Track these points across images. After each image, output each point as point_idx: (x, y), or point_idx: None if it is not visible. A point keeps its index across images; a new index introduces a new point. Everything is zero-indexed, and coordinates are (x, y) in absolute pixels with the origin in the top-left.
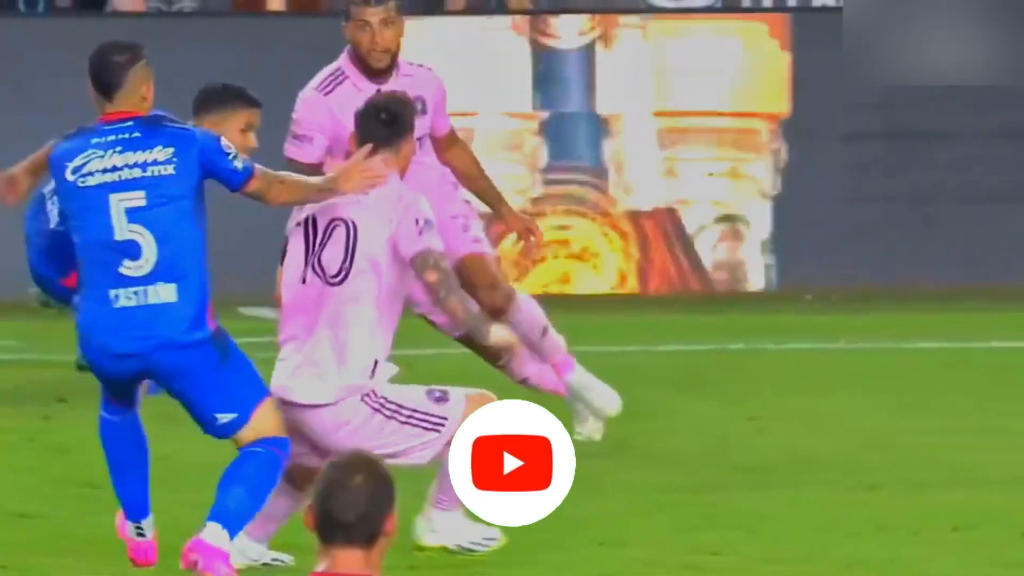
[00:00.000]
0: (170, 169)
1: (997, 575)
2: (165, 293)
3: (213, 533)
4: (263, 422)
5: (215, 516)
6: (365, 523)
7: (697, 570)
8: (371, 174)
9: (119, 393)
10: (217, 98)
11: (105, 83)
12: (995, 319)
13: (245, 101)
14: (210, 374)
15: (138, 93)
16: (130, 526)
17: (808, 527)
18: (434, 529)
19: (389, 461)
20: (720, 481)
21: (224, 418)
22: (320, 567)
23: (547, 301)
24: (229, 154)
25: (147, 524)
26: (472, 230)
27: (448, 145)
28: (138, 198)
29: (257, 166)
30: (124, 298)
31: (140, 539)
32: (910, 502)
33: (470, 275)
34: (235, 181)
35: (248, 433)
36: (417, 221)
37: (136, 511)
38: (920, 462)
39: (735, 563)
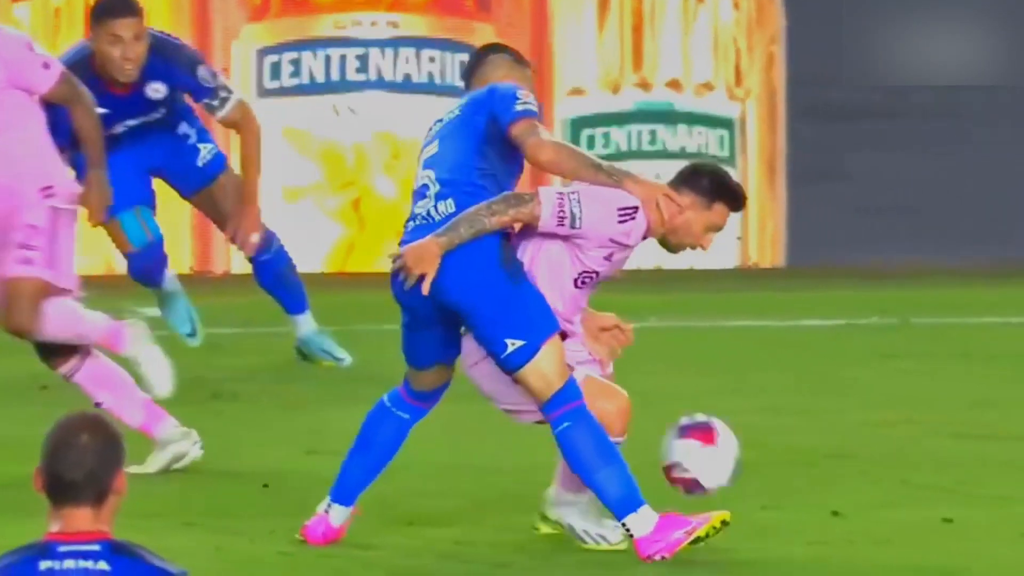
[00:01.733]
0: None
1: (806, 553)
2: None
3: (634, 526)
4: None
5: (616, 512)
6: (93, 481)
7: (511, 549)
8: None
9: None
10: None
11: None
12: (816, 297)
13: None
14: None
15: None
16: (327, 502)
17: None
18: (559, 503)
19: (509, 416)
20: (541, 460)
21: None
22: (53, 528)
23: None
24: None
25: (341, 511)
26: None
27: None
28: None
29: None
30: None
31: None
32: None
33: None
34: None
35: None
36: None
37: (344, 495)
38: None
39: (546, 545)
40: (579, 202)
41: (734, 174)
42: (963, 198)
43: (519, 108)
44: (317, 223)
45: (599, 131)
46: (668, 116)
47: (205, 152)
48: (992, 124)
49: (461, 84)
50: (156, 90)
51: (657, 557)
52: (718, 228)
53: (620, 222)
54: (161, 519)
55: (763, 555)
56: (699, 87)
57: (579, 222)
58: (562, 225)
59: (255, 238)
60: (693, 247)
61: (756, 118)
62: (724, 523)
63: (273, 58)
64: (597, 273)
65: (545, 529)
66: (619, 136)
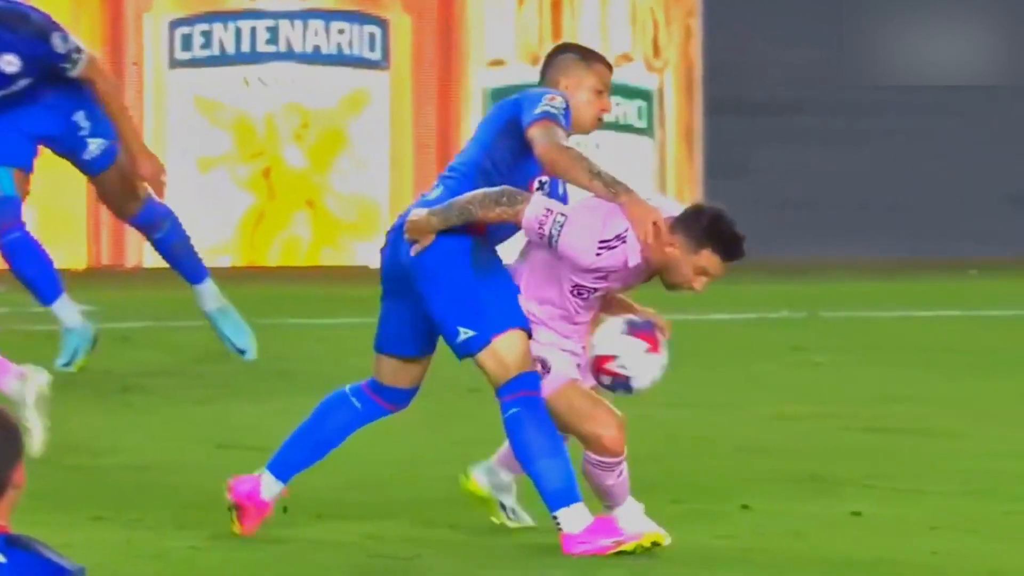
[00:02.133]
0: None
1: (716, 546)
2: None
3: (565, 521)
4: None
5: (550, 504)
6: None
7: (420, 543)
8: None
9: None
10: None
11: None
12: (726, 292)
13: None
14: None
15: None
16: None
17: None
18: (492, 479)
19: None
20: (437, 455)
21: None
22: None
23: None
24: None
25: (272, 484)
26: None
27: None
28: None
29: None
30: None
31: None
32: (631, 473)
33: None
34: None
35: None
36: None
37: (279, 468)
38: (643, 434)
39: (458, 537)
40: (562, 225)
41: (652, 145)
42: (872, 192)
43: (539, 111)
44: (228, 192)
45: None
46: None
47: (94, 147)
48: (899, 119)
49: (370, 54)
50: (9, 63)
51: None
52: (708, 274)
53: (597, 254)
54: (70, 513)
55: (673, 548)
56: (617, 58)
57: (555, 243)
58: (540, 238)
59: (162, 177)
60: (686, 288)
61: (674, 89)
62: (655, 544)
63: (185, 30)
64: (592, 289)
65: (467, 486)
66: None
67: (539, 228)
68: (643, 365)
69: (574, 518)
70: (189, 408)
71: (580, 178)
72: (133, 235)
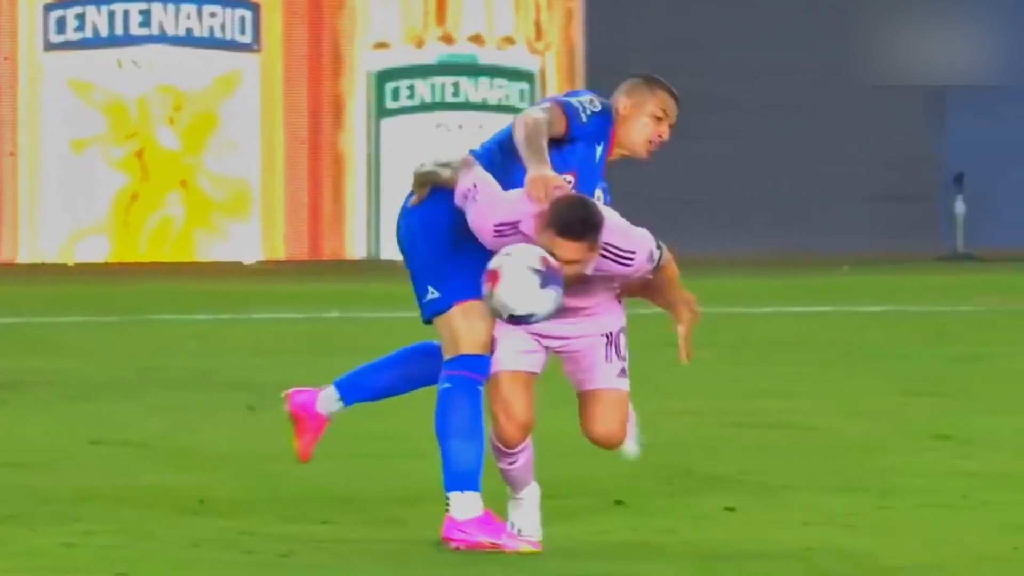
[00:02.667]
0: None
1: (590, 541)
2: None
3: (455, 504)
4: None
5: (447, 483)
6: None
7: (293, 540)
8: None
9: None
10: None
11: None
12: None
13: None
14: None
15: None
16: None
17: (396, 496)
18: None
19: None
20: (316, 450)
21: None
22: None
23: None
24: None
25: (333, 400)
26: None
27: None
28: None
29: None
30: None
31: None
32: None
33: None
34: None
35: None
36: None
37: (348, 389)
38: None
39: (332, 530)
40: (474, 200)
41: None
42: (745, 189)
43: (552, 97)
44: (102, 173)
45: (404, 83)
46: (471, 69)
47: None
48: (773, 117)
49: (241, 38)
50: None
51: (453, 545)
52: (561, 259)
53: (494, 236)
54: None
55: (547, 544)
56: (501, 41)
57: (467, 215)
58: (461, 210)
59: None
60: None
61: (555, 71)
62: (531, 554)
63: (59, 13)
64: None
65: None
66: (423, 89)
67: (461, 195)
68: (504, 298)
69: (465, 505)
70: (62, 405)
71: (521, 146)
72: (8, 232)
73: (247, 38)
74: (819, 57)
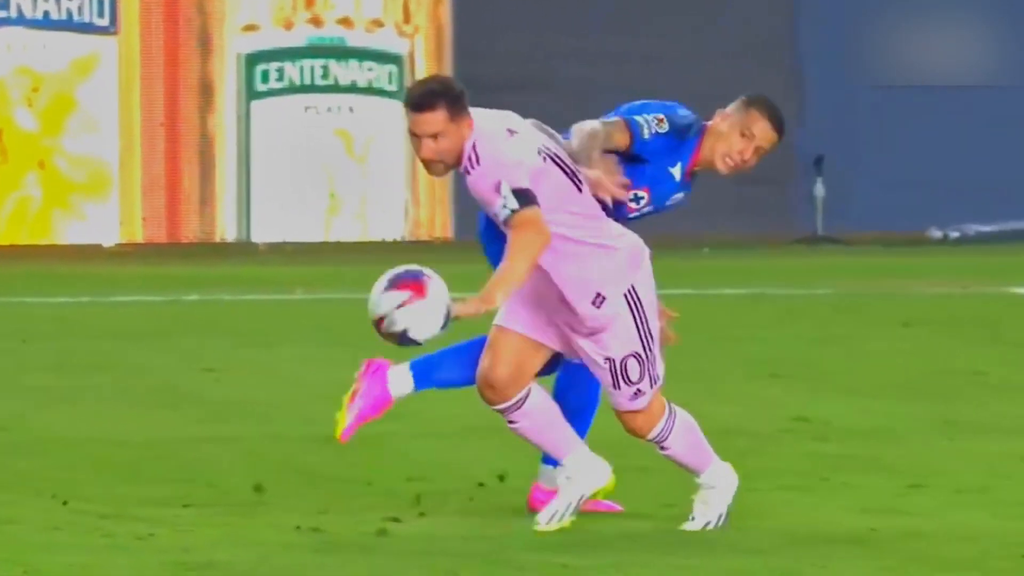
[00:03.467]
0: None
1: (457, 522)
2: None
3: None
4: None
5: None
6: None
7: (155, 522)
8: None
9: None
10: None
11: None
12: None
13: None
14: None
15: None
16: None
17: (261, 477)
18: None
19: None
20: (176, 434)
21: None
22: None
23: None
24: None
25: (404, 378)
26: None
27: None
28: None
29: None
30: None
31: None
32: (369, 453)
33: None
34: None
35: None
36: None
37: (421, 371)
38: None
39: (194, 514)
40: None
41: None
42: None
43: (623, 112)
44: None
45: (273, 66)
46: (340, 52)
47: None
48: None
49: (99, 20)
50: None
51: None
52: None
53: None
54: None
55: (397, 528)
56: (369, 23)
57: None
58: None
59: None
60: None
61: (424, 55)
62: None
63: None
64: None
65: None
66: (292, 71)
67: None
68: (412, 315)
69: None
70: None
71: (572, 154)
72: None
73: (105, 21)
74: (680, 43)
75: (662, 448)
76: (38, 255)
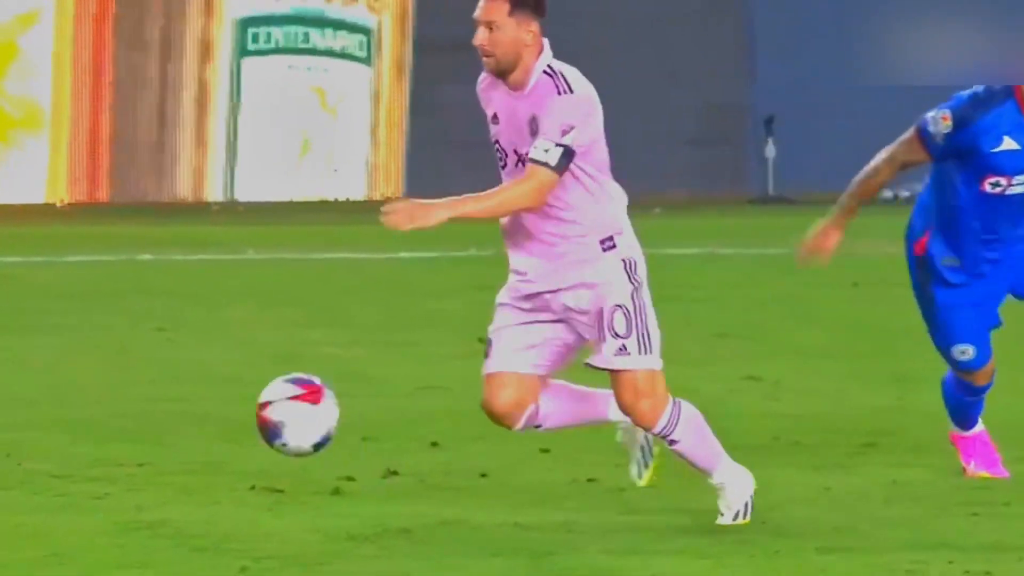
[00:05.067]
0: None
1: (399, 482)
2: None
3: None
4: None
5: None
6: None
7: (109, 482)
8: None
9: None
10: None
11: None
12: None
13: None
14: None
15: None
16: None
17: (214, 437)
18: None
19: None
20: (129, 394)
21: None
22: None
23: None
24: None
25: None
26: None
27: None
28: None
29: None
30: None
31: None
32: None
33: None
34: None
35: None
36: None
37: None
38: (328, 374)
39: (148, 473)
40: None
41: (370, 73)
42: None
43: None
44: None
45: (263, 29)
46: (319, 21)
47: None
48: (591, 61)
49: None
50: None
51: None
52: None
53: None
54: None
55: (352, 487)
56: (346, 0)
57: None
58: None
59: None
60: None
61: (390, 28)
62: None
63: None
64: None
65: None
66: (278, 34)
67: None
68: (295, 414)
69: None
70: None
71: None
72: None
73: None
74: (640, 5)
75: (671, 443)
76: None
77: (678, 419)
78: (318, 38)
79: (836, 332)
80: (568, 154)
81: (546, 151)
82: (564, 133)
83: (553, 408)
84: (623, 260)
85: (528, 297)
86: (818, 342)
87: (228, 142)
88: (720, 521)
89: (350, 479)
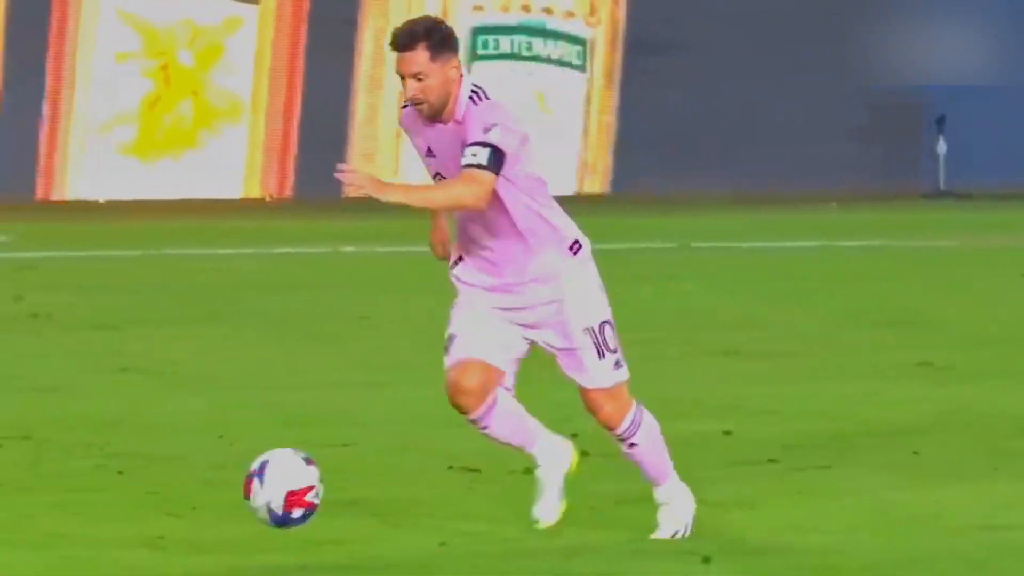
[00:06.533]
0: None
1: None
2: None
3: None
4: None
5: None
6: None
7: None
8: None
9: None
10: None
11: None
12: (608, 223)
13: None
14: None
15: None
16: None
17: (410, 420)
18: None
19: None
20: (330, 379)
21: None
22: None
23: None
24: None
25: None
26: None
27: None
28: None
29: None
30: None
31: None
32: None
33: None
34: None
35: None
36: None
37: None
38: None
39: (350, 453)
40: None
41: (584, 79)
42: (737, 129)
43: None
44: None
45: (491, 38)
46: (541, 32)
47: None
48: (762, 58)
49: None
50: None
51: None
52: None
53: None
54: None
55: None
56: (565, 13)
57: None
58: None
59: None
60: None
61: (603, 40)
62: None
63: None
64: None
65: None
66: (505, 43)
67: None
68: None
69: None
70: (91, 334)
71: None
72: (42, 167)
73: None
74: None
75: (630, 445)
76: (198, 210)
77: (640, 423)
78: (540, 47)
79: (1006, 320)
80: (496, 153)
81: (474, 155)
82: (486, 131)
83: (500, 419)
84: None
85: (494, 290)
86: (988, 330)
87: None
88: (657, 535)
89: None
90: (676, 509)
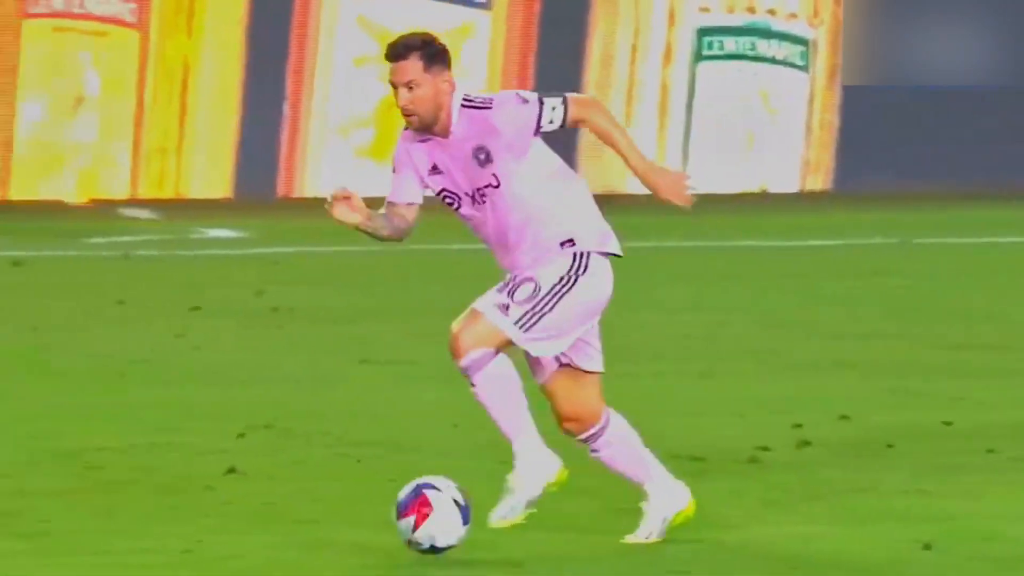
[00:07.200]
0: None
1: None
2: None
3: None
4: None
5: None
6: None
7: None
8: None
9: None
10: None
11: None
12: (821, 220)
13: None
14: None
15: None
16: None
17: (637, 410)
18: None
19: None
20: None
21: None
22: None
23: None
24: None
25: None
26: None
27: None
28: None
29: None
30: None
31: None
32: None
33: None
34: None
35: None
36: None
37: None
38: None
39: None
40: None
41: (807, 79)
42: (965, 125)
43: None
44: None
45: (716, 39)
46: (765, 32)
47: None
48: None
49: None
50: None
51: None
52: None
53: None
54: (225, 423)
55: (767, 456)
56: (788, 15)
57: None
58: None
59: None
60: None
61: (825, 41)
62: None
63: None
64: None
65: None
66: (730, 43)
67: None
68: (429, 532)
69: None
70: (333, 327)
71: None
72: (283, 165)
73: None
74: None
75: (592, 451)
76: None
77: (606, 430)
78: (764, 47)
79: None
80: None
81: (553, 108)
82: (524, 98)
83: (496, 396)
84: (574, 256)
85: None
86: None
87: (684, 134)
88: (629, 538)
89: (765, 449)
90: (651, 509)
